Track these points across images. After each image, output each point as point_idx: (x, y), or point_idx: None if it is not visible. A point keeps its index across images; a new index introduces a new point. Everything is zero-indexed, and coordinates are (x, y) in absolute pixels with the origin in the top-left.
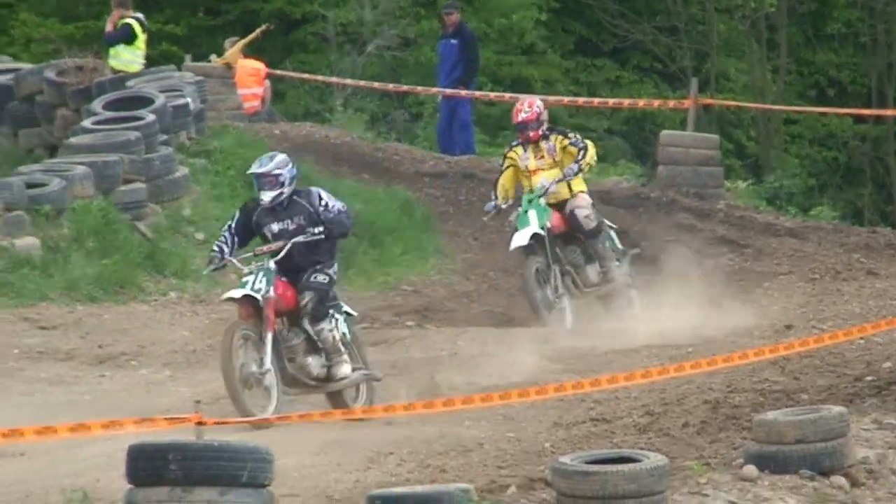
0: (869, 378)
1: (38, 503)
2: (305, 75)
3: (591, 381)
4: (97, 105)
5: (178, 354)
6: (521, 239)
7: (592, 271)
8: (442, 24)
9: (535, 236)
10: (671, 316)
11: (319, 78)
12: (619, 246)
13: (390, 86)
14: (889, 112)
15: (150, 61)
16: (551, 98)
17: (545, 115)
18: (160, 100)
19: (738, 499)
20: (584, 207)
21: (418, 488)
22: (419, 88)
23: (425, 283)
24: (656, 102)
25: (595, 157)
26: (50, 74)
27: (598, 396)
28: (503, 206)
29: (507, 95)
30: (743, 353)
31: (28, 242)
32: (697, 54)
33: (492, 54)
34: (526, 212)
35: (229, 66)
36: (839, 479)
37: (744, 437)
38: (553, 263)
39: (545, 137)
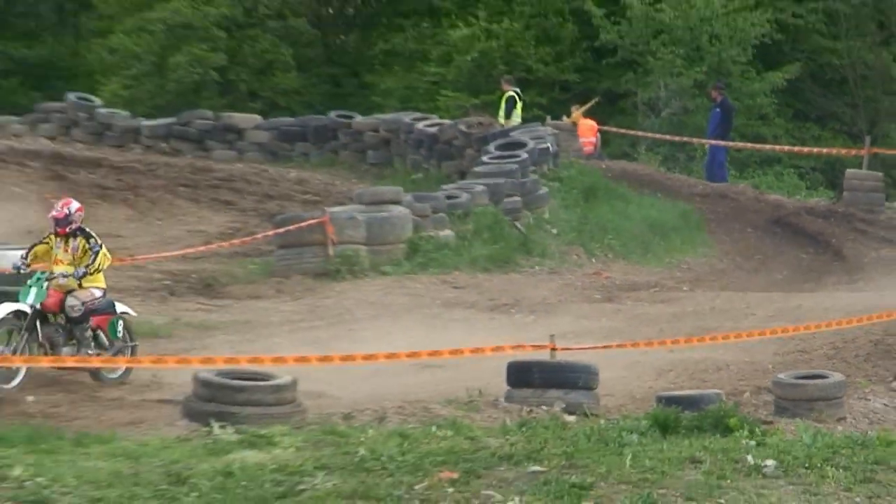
0: None
1: (451, 397)
2: (622, 130)
3: (794, 327)
4: (491, 147)
5: (539, 305)
6: (3, 310)
7: (67, 350)
8: (710, 99)
9: (17, 311)
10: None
11: (631, 132)
12: (122, 336)
13: (676, 138)
14: None
15: (524, 119)
16: (777, 147)
17: (77, 216)
18: (531, 144)
19: (888, 402)
20: (77, 299)
21: (688, 392)
22: (694, 140)
23: (695, 264)
24: (844, 151)
25: (105, 263)
26: (461, 127)
27: (802, 337)
28: (24, 268)
29: (749, 145)
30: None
31: (446, 233)
32: (870, 121)
33: (741, 118)
34: (30, 287)
35: (574, 124)
36: None
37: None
38: (27, 333)
39: (73, 236)
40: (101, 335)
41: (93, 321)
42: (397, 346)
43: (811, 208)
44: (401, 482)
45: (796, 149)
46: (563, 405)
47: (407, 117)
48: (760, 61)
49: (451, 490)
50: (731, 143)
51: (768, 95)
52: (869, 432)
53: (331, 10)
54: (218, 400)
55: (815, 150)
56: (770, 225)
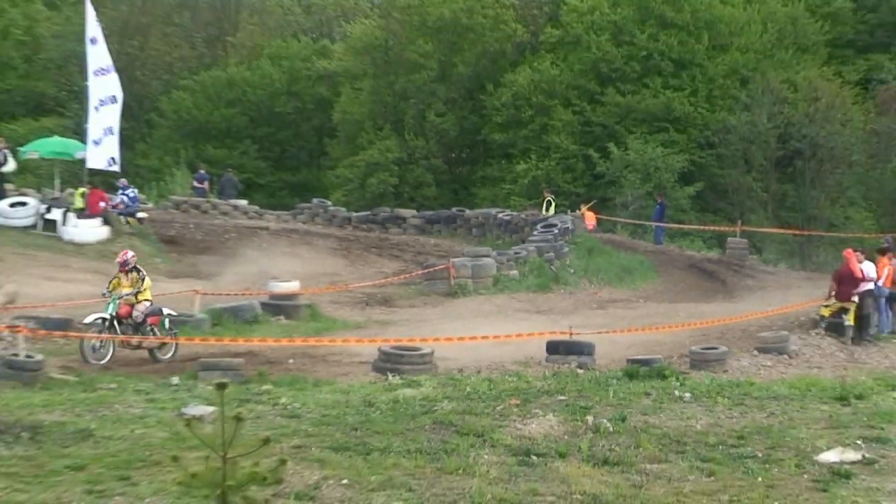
0: None
1: (516, 360)
2: (608, 217)
3: (699, 322)
4: (538, 226)
5: (563, 311)
6: (92, 317)
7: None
8: (655, 200)
9: (101, 318)
10: None
11: (613, 219)
12: (168, 328)
13: (637, 222)
14: None
15: (556, 211)
16: (690, 226)
17: (132, 260)
18: (559, 225)
19: (750, 363)
20: (138, 310)
21: (644, 356)
22: (646, 223)
23: (647, 288)
24: (726, 228)
25: (149, 285)
26: (523, 216)
27: (703, 328)
28: (107, 294)
29: (675, 225)
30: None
31: (514, 272)
32: (740, 212)
33: (671, 210)
34: (108, 304)
35: (582, 214)
36: None
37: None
38: (108, 331)
39: (130, 271)
40: (155, 329)
41: (149, 321)
42: (487, 332)
43: (709, 259)
44: (489, 405)
45: (702, 227)
46: (576, 364)
47: (493, 211)
48: (682, 180)
49: (515, 409)
50: (665, 224)
51: (686, 199)
52: (740, 379)
53: (453, 155)
54: (391, 361)
55: (712, 227)
56: (687, 268)
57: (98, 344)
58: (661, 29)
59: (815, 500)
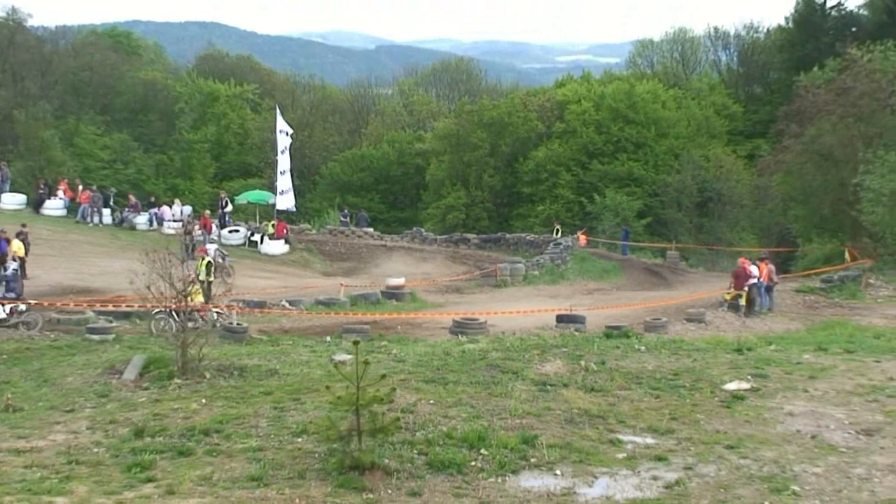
0: None
1: (538, 326)
2: (595, 238)
3: (651, 302)
4: (550, 245)
5: (566, 296)
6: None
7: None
8: (622, 228)
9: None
10: None
11: (597, 239)
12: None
13: (612, 241)
14: None
15: (563, 235)
16: (643, 244)
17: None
18: (563, 244)
19: (682, 328)
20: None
21: (616, 324)
22: (617, 242)
23: (617, 283)
24: (666, 245)
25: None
26: (536, 237)
27: (654, 306)
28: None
29: (631, 243)
30: (678, 298)
31: (535, 273)
32: (675, 235)
33: (633, 235)
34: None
35: (578, 237)
36: None
37: (683, 314)
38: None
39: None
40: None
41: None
42: (519, 309)
43: (656, 264)
44: (520, 354)
45: (651, 244)
46: (574, 329)
47: (523, 235)
48: (638, 216)
49: (537, 357)
50: (628, 243)
51: (641, 227)
52: (675, 338)
53: (498, 200)
54: (461, 327)
55: (657, 245)
56: (642, 270)
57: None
58: (626, 124)
59: (723, 414)
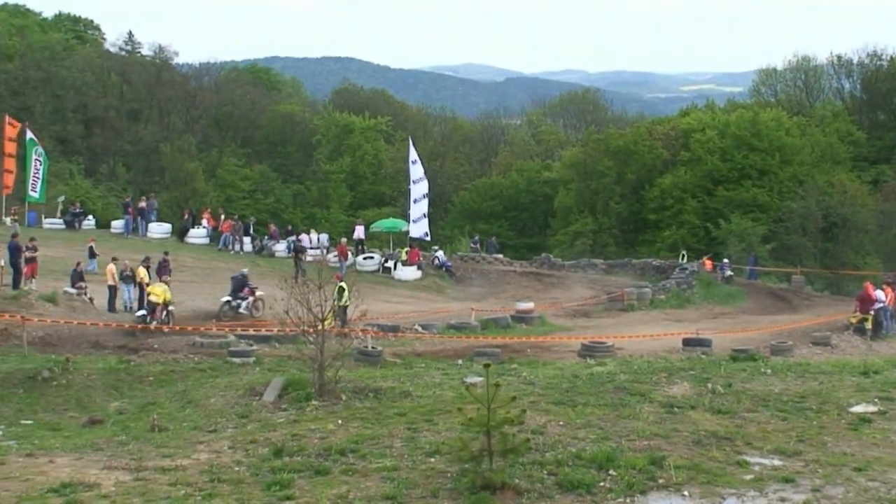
0: None
1: (667, 349)
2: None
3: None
4: (672, 273)
5: (694, 320)
6: (223, 299)
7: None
8: None
9: (227, 301)
10: None
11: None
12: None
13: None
14: None
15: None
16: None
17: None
18: (687, 270)
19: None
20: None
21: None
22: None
23: None
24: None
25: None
26: (661, 263)
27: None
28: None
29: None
30: None
31: (661, 297)
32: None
33: None
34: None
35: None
36: None
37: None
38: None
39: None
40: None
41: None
42: (646, 333)
43: (781, 288)
44: (648, 377)
45: (776, 269)
46: (701, 352)
47: (650, 260)
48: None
49: (664, 379)
50: (755, 268)
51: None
52: (801, 361)
53: (625, 227)
54: (589, 350)
55: (782, 269)
56: (767, 294)
57: None
58: (750, 151)
59: (850, 436)
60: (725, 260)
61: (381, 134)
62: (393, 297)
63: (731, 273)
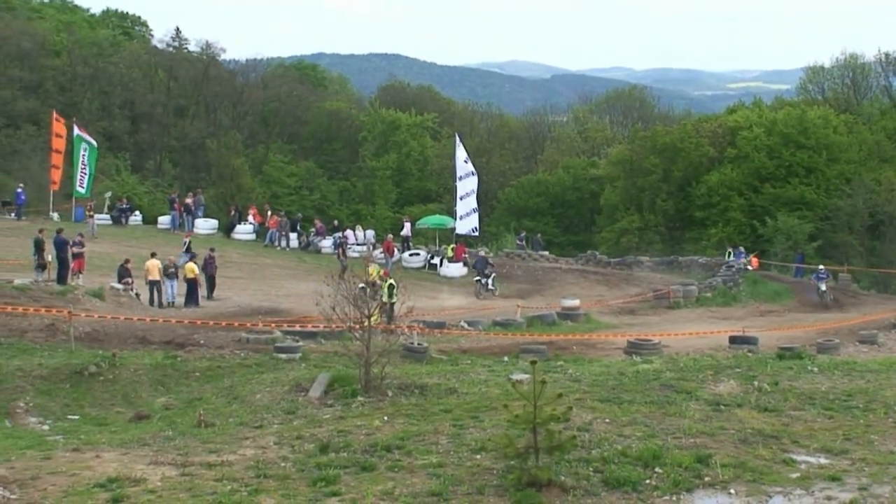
0: None
1: (712, 346)
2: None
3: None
4: (718, 271)
5: (739, 318)
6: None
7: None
8: None
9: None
10: None
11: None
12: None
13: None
14: None
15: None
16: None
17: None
18: (735, 267)
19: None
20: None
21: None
22: None
23: None
24: None
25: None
26: (705, 260)
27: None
28: None
29: None
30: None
31: (707, 295)
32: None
33: None
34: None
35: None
36: None
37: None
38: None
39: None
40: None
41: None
42: (692, 330)
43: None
44: (694, 374)
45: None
46: (747, 350)
47: (696, 257)
48: (810, 239)
49: (710, 376)
50: (802, 265)
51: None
52: (848, 359)
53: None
54: (635, 348)
55: (829, 267)
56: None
57: None
58: (797, 149)
59: None
60: (821, 266)
61: (427, 130)
62: (439, 294)
63: (826, 290)
